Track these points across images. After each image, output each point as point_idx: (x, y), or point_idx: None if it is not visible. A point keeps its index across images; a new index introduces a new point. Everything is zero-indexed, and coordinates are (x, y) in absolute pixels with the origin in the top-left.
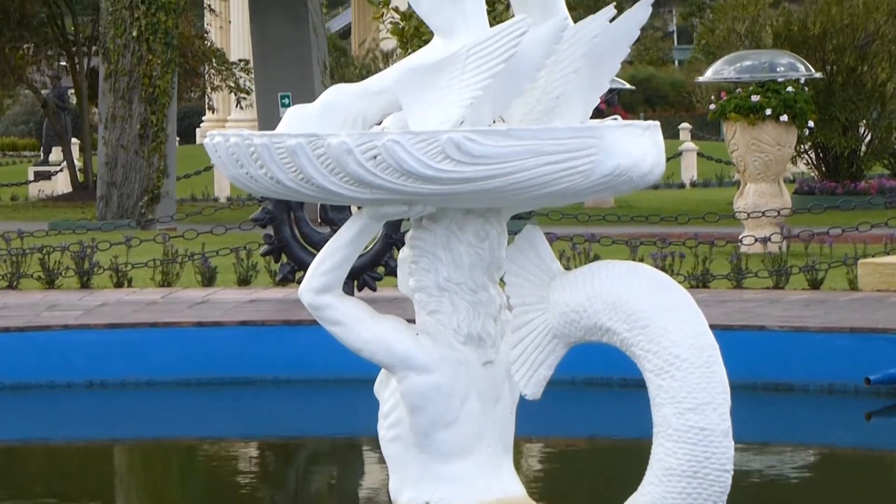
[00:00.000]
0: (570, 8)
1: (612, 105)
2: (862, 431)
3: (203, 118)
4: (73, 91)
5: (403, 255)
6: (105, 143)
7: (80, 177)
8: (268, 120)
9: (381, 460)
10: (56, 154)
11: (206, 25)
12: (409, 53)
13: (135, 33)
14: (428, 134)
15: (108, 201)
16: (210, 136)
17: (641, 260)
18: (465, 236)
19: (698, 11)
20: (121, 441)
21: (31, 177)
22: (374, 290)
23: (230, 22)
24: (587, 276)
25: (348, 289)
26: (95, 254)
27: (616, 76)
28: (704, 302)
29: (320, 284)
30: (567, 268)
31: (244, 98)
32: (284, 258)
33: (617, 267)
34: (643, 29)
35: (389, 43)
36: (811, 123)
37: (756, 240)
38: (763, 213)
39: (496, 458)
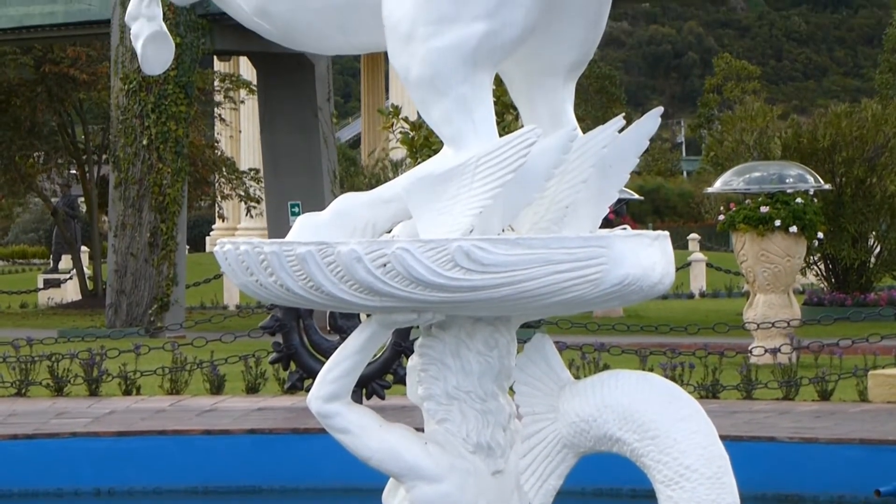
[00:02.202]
0: (579, 119)
1: (621, 215)
2: None
3: (213, 226)
4: (82, 199)
5: (412, 363)
6: (115, 251)
7: (89, 285)
8: (278, 228)
9: None
10: (66, 262)
11: (216, 135)
12: (419, 163)
13: (145, 142)
14: (437, 242)
15: (118, 309)
16: (220, 244)
17: (651, 370)
18: (474, 344)
19: (707, 123)
20: None
21: (40, 284)
22: (382, 398)
23: (240, 131)
24: (597, 385)
25: (357, 397)
26: (104, 361)
27: (625, 186)
28: (714, 413)
29: (329, 392)
30: (577, 377)
31: (254, 207)
32: (293, 366)
33: (627, 377)
34: (652, 140)
35: (399, 152)
36: (820, 235)
37: (766, 351)
38: (773, 324)
39: None
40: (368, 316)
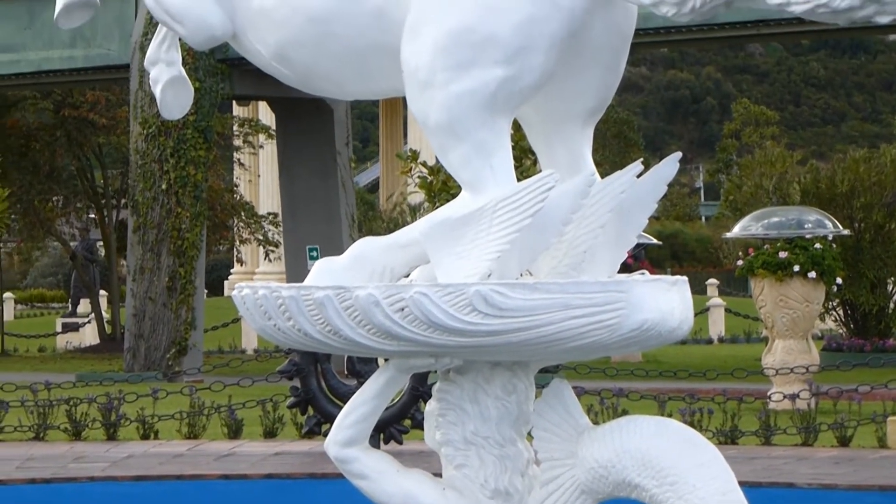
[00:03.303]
0: (597, 164)
1: (640, 260)
2: None
3: (231, 270)
4: (101, 243)
5: (430, 407)
6: (133, 295)
7: (107, 329)
8: (296, 272)
9: None
10: (84, 306)
11: (235, 179)
12: (437, 207)
13: (164, 186)
14: (455, 287)
15: (136, 353)
16: (238, 288)
17: (670, 415)
18: (492, 389)
19: (725, 168)
20: None
21: (59, 328)
22: (400, 443)
23: (259, 176)
24: (615, 431)
25: (374, 442)
26: (122, 405)
27: (643, 231)
28: (733, 458)
29: (346, 437)
30: (595, 422)
31: (272, 251)
32: (311, 410)
33: (646, 422)
34: (670, 185)
35: (417, 197)
36: (839, 280)
37: (784, 396)
38: (791, 369)
39: None
40: (386, 360)
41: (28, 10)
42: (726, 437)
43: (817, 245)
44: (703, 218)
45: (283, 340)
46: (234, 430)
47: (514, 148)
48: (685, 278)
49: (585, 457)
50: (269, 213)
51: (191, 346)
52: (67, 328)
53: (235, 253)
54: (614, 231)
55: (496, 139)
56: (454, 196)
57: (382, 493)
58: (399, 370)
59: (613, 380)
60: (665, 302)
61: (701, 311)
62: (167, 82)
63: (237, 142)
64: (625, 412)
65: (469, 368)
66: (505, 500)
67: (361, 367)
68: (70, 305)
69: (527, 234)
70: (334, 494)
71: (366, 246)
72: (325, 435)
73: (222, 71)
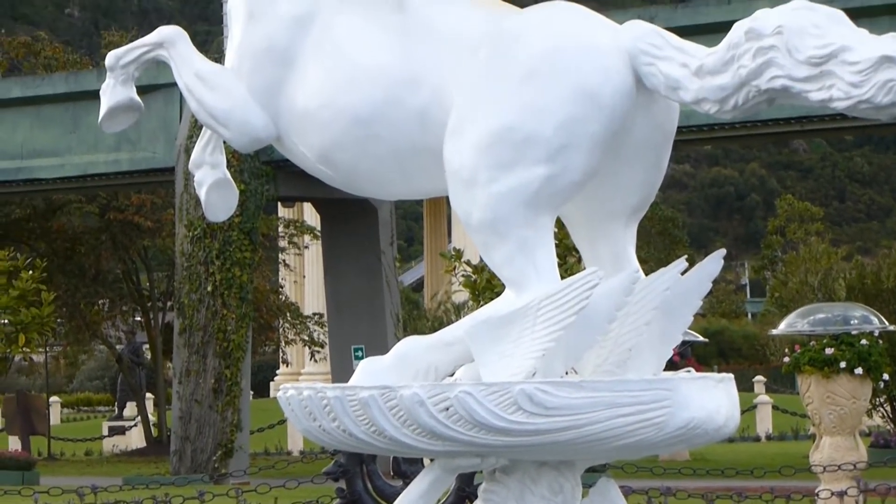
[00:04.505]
0: (641, 261)
1: (686, 357)
2: None
3: (277, 371)
4: (147, 346)
5: None
6: (179, 397)
7: (154, 431)
8: (341, 372)
9: None
10: (130, 409)
11: (280, 280)
12: (481, 306)
13: (210, 288)
14: (500, 385)
15: (182, 456)
16: (283, 389)
17: None
18: (538, 489)
19: (770, 264)
20: None
21: (105, 432)
22: None
23: (304, 276)
24: None
25: None
26: None
27: (688, 328)
28: None
29: None
30: None
31: (318, 351)
32: None
33: None
34: (715, 282)
35: (462, 295)
36: (886, 376)
37: (832, 494)
38: (839, 466)
39: None
40: (432, 460)
41: (73, 114)
42: None
43: (864, 341)
44: (749, 314)
45: (329, 441)
46: None
47: (557, 245)
48: (731, 376)
49: None
50: (315, 314)
51: (237, 448)
52: (114, 431)
53: (281, 354)
54: (659, 328)
55: (539, 237)
56: (498, 294)
57: None
58: (445, 470)
59: (661, 478)
60: (711, 400)
61: (748, 409)
62: (212, 185)
63: (282, 243)
64: None
65: (515, 468)
66: None
67: (407, 468)
68: (116, 409)
69: (571, 331)
70: None
71: (410, 345)
72: None
73: (267, 173)
